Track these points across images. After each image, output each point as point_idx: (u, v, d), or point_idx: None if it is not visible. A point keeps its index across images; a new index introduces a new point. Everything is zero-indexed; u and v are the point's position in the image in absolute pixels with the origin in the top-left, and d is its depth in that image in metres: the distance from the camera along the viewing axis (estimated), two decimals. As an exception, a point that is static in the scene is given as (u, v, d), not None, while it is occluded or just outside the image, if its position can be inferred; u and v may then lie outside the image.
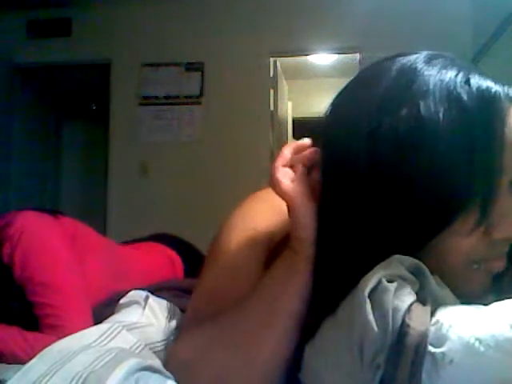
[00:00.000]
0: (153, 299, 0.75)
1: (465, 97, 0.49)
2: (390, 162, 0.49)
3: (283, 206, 0.57)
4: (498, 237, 0.50)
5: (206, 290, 0.63)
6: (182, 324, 0.65)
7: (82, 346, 0.53)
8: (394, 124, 0.49)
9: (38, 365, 0.49)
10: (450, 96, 0.49)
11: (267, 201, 0.65)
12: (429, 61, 0.53)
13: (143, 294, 0.76)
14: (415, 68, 0.52)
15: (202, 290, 0.64)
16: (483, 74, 0.52)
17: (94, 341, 0.56)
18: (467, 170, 0.47)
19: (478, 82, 0.51)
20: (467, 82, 0.50)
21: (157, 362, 0.57)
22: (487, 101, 0.50)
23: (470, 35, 3.50)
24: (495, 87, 0.51)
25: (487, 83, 0.51)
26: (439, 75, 0.51)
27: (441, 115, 0.48)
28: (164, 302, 0.76)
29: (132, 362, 0.47)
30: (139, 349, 0.59)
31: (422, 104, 0.49)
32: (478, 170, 0.48)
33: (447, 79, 0.50)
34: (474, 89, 0.50)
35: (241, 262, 0.62)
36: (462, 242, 0.50)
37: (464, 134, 0.48)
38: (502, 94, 0.51)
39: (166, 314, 0.73)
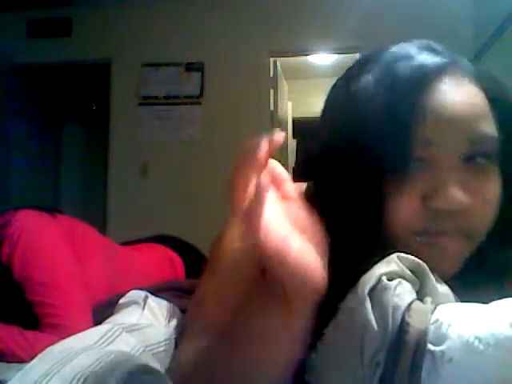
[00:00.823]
0: (152, 299, 0.75)
1: (400, 70, 0.52)
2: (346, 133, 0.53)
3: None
4: (434, 206, 0.50)
5: (208, 295, 0.63)
6: (183, 329, 0.65)
7: (83, 346, 0.53)
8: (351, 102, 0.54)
9: (38, 365, 0.49)
10: (389, 70, 0.53)
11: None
12: (402, 43, 0.57)
13: (142, 294, 0.76)
14: (386, 49, 0.57)
15: (204, 294, 0.63)
16: (440, 51, 0.55)
17: (95, 343, 0.56)
18: (390, 138, 0.50)
19: (420, 57, 0.54)
20: (410, 57, 0.53)
21: (156, 366, 0.57)
22: (416, 75, 0.52)
23: (471, 34, 3.50)
24: (433, 63, 0.53)
25: (429, 58, 0.54)
26: (396, 52, 0.55)
27: (375, 87, 0.52)
28: (163, 302, 0.76)
29: (132, 365, 0.47)
30: (139, 352, 0.59)
31: (367, 77, 0.54)
32: (398, 139, 0.50)
33: (397, 54, 0.55)
34: (412, 63, 0.53)
35: (243, 269, 0.61)
36: (400, 208, 0.51)
37: (388, 105, 0.51)
38: (435, 70, 0.53)
39: (165, 314, 0.73)
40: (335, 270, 0.52)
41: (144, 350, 0.59)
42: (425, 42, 0.57)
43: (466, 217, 0.51)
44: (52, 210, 1.26)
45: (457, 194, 0.50)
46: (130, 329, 0.63)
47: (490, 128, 0.52)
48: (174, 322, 0.71)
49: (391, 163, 0.50)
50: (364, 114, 0.52)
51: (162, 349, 0.65)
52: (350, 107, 0.54)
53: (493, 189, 0.52)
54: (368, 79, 0.53)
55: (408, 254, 0.51)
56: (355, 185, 0.52)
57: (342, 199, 0.53)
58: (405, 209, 0.52)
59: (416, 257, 0.51)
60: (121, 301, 0.76)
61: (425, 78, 0.52)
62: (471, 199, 0.50)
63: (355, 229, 0.53)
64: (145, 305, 0.72)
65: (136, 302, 0.74)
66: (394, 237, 0.53)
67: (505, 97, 0.53)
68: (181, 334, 0.65)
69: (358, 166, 0.51)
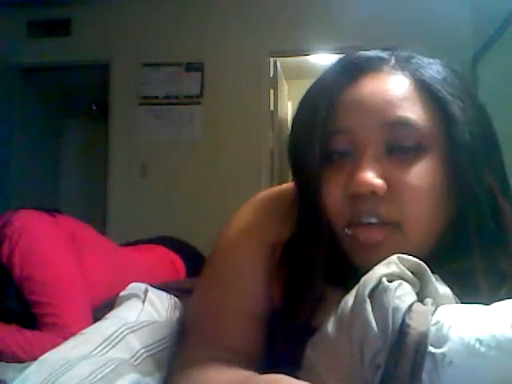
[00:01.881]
0: (152, 292, 0.74)
1: (329, 71, 0.58)
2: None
3: (289, 212, 0.59)
4: (348, 191, 0.52)
5: (206, 305, 0.63)
6: (184, 335, 0.65)
7: (81, 355, 0.53)
8: None
9: (35, 373, 0.48)
10: (324, 72, 0.58)
11: (268, 207, 0.65)
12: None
13: (143, 286, 0.76)
14: None
15: (202, 305, 0.63)
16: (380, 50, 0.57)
17: (96, 348, 0.56)
18: (313, 131, 0.54)
19: (351, 57, 0.57)
20: (343, 58, 0.57)
21: (156, 376, 0.56)
22: (339, 73, 0.56)
23: (470, 35, 3.49)
24: (360, 60, 0.56)
25: (358, 57, 0.56)
26: (343, 56, 0.59)
27: (310, 87, 0.58)
28: (163, 295, 0.76)
29: (131, 379, 0.47)
30: (140, 359, 0.59)
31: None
32: (318, 131, 0.54)
33: (340, 57, 0.58)
34: (341, 63, 0.57)
35: (244, 278, 0.61)
36: (327, 196, 0.54)
37: (315, 100, 0.56)
38: (359, 67, 0.55)
39: (166, 307, 0.73)
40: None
41: (145, 357, 0.59)
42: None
43: (382, 204, 0.51)
44: (52, 210, 1.26)
45: (368, 178, 0.50)
46: (135, 328, 0.63)
47: (409, 113, 0.51)
48: (174, 315, 0.71)
49: (315, 155, 0.54)
50: (299, 111, 0.58)
51: (163, 347, 0.65)
52: (297, 108, 0.59)
53: (417, 177, 0.51)
54: (312, 83, 0.59)
55: (348, 252, 0.54)
56: (300, 177, 0.58)
57: (299, 194, 0.58)
58: (330, 197, 0.53)
59: (347, 251, 0.54)
60: (121, 293, 0.76)
61: (344, 76, 0.55)
62: (389, 186, 0.51)
63: (306, 217, 0.57)
64: (145, 298, 0.72)
65: (136, 295, 0.73)
66: (335, 230, 0.55)
67: (437, 88, 0.52)
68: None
69: (296, 160, 0.58)
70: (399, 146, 0.52)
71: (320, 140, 0.54)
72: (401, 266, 0.48)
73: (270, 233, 0.61)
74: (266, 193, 0.68)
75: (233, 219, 0.66)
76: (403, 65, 0.55)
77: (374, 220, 0.52)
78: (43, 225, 1.15)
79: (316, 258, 0.56)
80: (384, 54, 0.56)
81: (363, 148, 0.52)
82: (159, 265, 1.45)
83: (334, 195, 0.53)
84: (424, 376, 0.41)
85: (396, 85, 0.53)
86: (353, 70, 0.55)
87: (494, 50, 3.12)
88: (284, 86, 4.58)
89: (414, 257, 0.48)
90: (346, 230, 0.54)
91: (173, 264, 1.48)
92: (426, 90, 0.53)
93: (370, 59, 0.56)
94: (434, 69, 0.54)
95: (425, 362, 0.41)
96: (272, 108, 4.02)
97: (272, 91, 4.01)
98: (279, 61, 4.15)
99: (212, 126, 3.82)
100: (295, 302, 0.57)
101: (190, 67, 3.93)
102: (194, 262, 1.48)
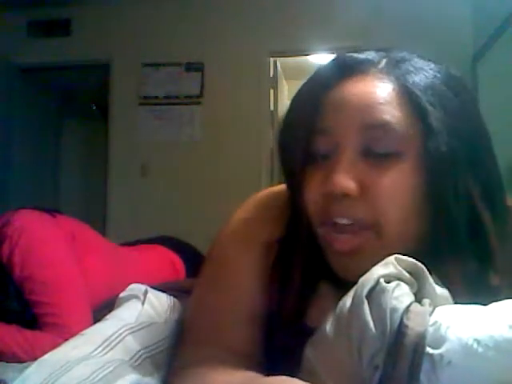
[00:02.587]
0: (152, 293, 0.75)
1: (315, 74, 0.58)
2: None
3: (284, 212, 0.59)
4: (322, 191, 0.53)
5: (204, 305, 0.63)
6: (183, 336, 0.65)
7: (80, 356, 0.53)
8: None
9: (35, 373, 0.48)
10: (311, 75, 0.59)
11: (264, 207, 0.65)
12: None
13: (142, 287, 0.76)
14: None
15: (201, 305, 0.64)
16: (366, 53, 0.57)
17: (95, 349, 0.56)
18: (296, 132, 0.56)
19: (336, 60, 0.57)
20: (329, 61, 0.58)
21: (155, 377, 0.57)
22: (322, 76, 0.57)
23: (470, 35, 3.49)
24: (342, 63, 0.56)
25: (342, 60, 0.57)
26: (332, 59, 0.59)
27: (298, 90, 0.59)
28: (163, 296, 0.76)
29: (130, 379, 0.47)
30: (139, 360, 0.59)
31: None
32: (301, 132, 0.55)
33: (329, 60, 0.59)
34: (325, 66, 0.58)
35: (241, 278, 0.62)
36: (307, 196, 0.55)
37: (298, 103, 0.58)
38: (340, 70, 0.55)
39: (165, 308, 0.73)
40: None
41: (144, 358, 0.59)
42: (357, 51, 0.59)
43: (356, 206, 0.52)
44: (52, 210, 1.26)
45: (341, 179, 0.51)
46: (134, 329, 0.63)
47: (388, 116, 0.51)
48: (174, 315, 0.71)
49: (299, 155, 0.55)
50: (288, 110, 0.59)
51: (162, 348, 0.65)
52: (287, 108, 0.60)
53: (391, 181, 0.51)
54: (302, 84, 0.59)
55: (325, 254, 0.55)
56: (286, 177, 0.60)
57: (289, 191, 0.60)
58: (308, 197, 0.55)
59: (326, 256, 0.55)
60: (121, 294, 0.76)
61: (331, 78, 0.55)
62: (363, 188, 0.51)
63: (293, 217, 0.59)
64: (145, 299, 0.72)
65: (136, 296, 0.74)
66: (314, 229, 0.56)
67: (418, 95, 0.52)
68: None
69: (282, 159, 0.60)
70: (376, 149, 0.52)
71: (304, 140, 0.55)
72: (398, 266, 0.48)
73: (265, 233, 0.62)
74: (264, 193, 0.68)
75: (230, 220, 0.66)
76: (391, 69, 0.55)
77: (346, 221, 0.52)
78: (43, 225, 1.15)
79: (296, 257, 0.58)
80: (375, 56, 0.56)
81: (341, 149, 0.53)
82: (159, 265, 1.45)
83: (311, 195, 0.55)
84: (422, 376, 0.41)
85: (379, 89, 0.53)
86: (340, 71, 0.56)
87: (493, 50, 3.12)
88: (284, 86, 4.58)
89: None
90: (319, 229, 0.55)
91: (173, 264, 1.48)
92: (407, 96, 0.52)
93: (358, 61, 0.56)
94: (422, 75, 0.54)
95: (423, 363, 0.41)
96: (272, 108, 4.02)
97: (272, 91, 4.01)
98: (279, 61, 4.15)
99: (212, 126, 3.82)
100: (280, 299, 0.59)
101: (190, 67, 3.93)
102: (194, 262, 1.48)
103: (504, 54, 2.95)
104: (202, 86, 3.90)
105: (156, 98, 3.94)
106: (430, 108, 0.51)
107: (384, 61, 0.56)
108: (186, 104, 3.90)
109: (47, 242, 1.12)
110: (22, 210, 1.16)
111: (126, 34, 3.98)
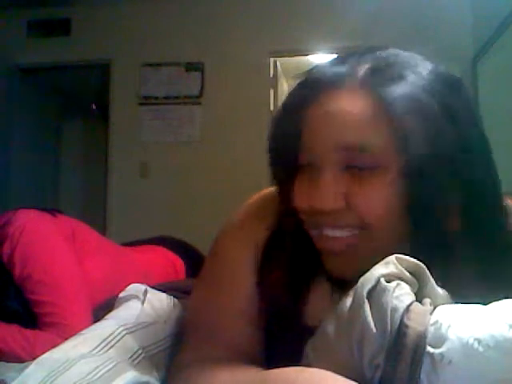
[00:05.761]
0: (151, 293, 0.75)
1: (299, 85, 0.58)
2: None
3: (275, 211, 0.61)
4: (309, 205, 0.54)
5: (204, 305, 0.63)
6: (184, 335, 0.65)
7: (80, 354, 0.53)
8: None
9: (35, 373, 0.49)
10: (296, 85, 0.59)
11: (260, 208, 0.66)
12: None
13: (142, 287, 0.76)
14: None
15: (201, 305, 0.64)
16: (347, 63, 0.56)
17: (95, 348, 0.56)
18: (283, 144, 0.58)
19: (318, 70, 0.57)
20: (312, 71, 0.58)
21: (154, 375, 0.57)
22: (306, 89, 0.57)
23: (470, 35, 3.49)
24: (324, 76, 0.56)
25: (324, 72, 0.56)
26: (312, 67, 0.60)
27: (286, 99, 0.60)
28: (163, 296, 0.76)
29: (129, 376, 0.47)
30: (139, 358, 0.59)
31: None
32: (287, 144, 0.57)
33: (310, 69, 0.59)
34: (310, 77, 0.58)
35: (238, 278, 0.62)
36: (295, 201, 0.57)
37: (284, 117, 0.59)
38: (322, 84, 0.55)
39: (165, 308, 0.73)
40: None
41: (143, 357, 0.59)
42: (344, 54, 0.59)
43: (342, 217, 0.53)
44: (52, 210, 1.26)
45: (325, 198, 0.52)
46: (133, 329, 0.63)
47: (365, 138, 0.51)
48: (173, 315, 0.71)
49: (285, 167, 0.58)
50: (273, 123, 0.60)
51: (161, 348, 0.65)
52: (272, 119, 0.61)
53: (374, 189, 0.52)
54: (288, 94, 0.60)
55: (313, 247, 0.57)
56: (275, 181, 0.62)
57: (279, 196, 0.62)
58: (296, 203, 0.56)
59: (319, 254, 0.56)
60: (121, 294, 0.76)
61: (311, 92, 0.55)
62: (348, 199, 0.52)
63: (285, 210, 0.60)
64: (144, 299, 0.73)
65: (136, 296, 0.74)
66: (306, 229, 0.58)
67: (395, 109, 0.51)
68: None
69: (272, 168, 0.62)
70: (355, 166, 0.53)
71: (289, 155, 0.57)
72: (399, 266, 0.48)
73: (265, 232, 0.63)
74: (264, 193, 0.69)
75: (230, 219, 0.67)
76: (369, 79, 0.53)
77: (335, 233, 0.54)
78: (44, 224, 1.15)
79: (282, 253, 0.60)
80: (351, 68, 0.55)
81: (321, 167, 0.54)
82: (159, 265, 1.45)
83: (299, 204, 0.56)
84: (423, 376, 0.41)
85: (354, 105, 0.52)
86: (316, 86, 0.55)
87: (493, 49, 3.12)
88: (284, 86, 4.58)
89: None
90: (312, 231, 0.57)
91: (173, 264, 1.48)
92: (383, 109, 0.51)
93: (335, 74, 0.55)
94: (404, 82, 0.52)
95: (423, 362, 0.41)
96: (272, 108, 4.02)
97: (272, 91, 4.01)
98: (279, 61, 4.14)
99: (212, 126, 3.82)
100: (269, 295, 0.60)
101: (190, 67, 3.93)
102: (194, 262, 1.49)
103: (504, 53, 2.95)
104: (202, 86, 3.90)
105: (156, 98, 3.94)
106: (406, 122, 0.50)
107: (362, 71, 0.54)
108: (186, 104, 3.90)
109: (48, 242, 1.12)
110: (23, 210, 1.16)
111: (126, 34, 3.97)
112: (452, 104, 0.53)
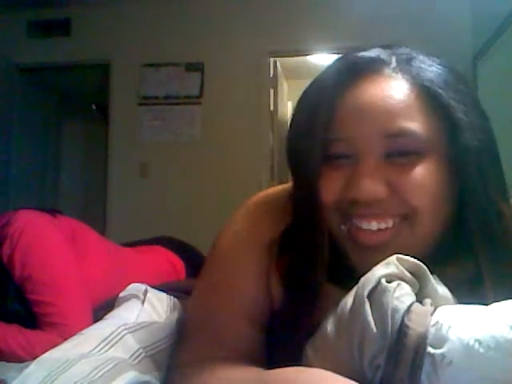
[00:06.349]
0: (152, 293, 0.75)
1: (328, 72, 0.57)
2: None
3: (284, 213, 0.59)
4: (350, 196, 0.52)
5: (205, 306, 0.63)
6: (183, 335, 0.65)
7: (80, 354, 0.53)
8: None
9: (35, 372, 0.48)
10: (322, 72, 0.58)
11: (261, 208, 0.65)
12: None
13: (142, 287, 0.76)
14: None
15: (202, 306, 0.64)
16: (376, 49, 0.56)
17: (95, 347, 0.56)
18: (313, 134, 0.55)
19: (348, 57, 0.56)
20: (341, 58, 0.57)
21: (154, 375, 0.57)
22: (335, 71, 0.55)
23: (470, 35, 3.49)
24: (356, 62, 0.54)
25: (354, 58, 0.55)
26: (340, 56, 0.58)
27: (309, 89, 0.58)
28: (163, 295, 0.76)
29: (130, 376, 0.47)
30: (139, 358, 0.59)
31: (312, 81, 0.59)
32: (317, 135, 0.54)
33: (339, 57, 0.58)
34: (339, 64, 0.56)
35: (241, 280, 0.62)
36: (325, 194, 0.54)
37: (313, 106, 0.55)
38: (356, 69, 0.54)
39: (165, 308, 0.73)
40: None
41: (143, 357, 0.59)
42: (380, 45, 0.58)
43: (384, 207, 0.52)
44: (52, 210, 1.26)
45: (369, 186, 0.51)
46: (133, 329, 0.63)
47: (410, 123, 0.51)
48: (174, 315, 0.71)
49: (316, 158, 0.54)
50: (300, 112, 0.57)
51: (162, 347, 0.65)
52: (296, 108, 0.59)
53: (418, 176, 0.51)
54: (311, 82, 0.58)
55: (340, 246, 0.55)
56: (299, 175, 0.58)
57: (298, 189, 0.59)
58: (327, 196, 0.54)
59: (346, 250, 0.55)
60: (121, 294, 0.76)
61: (344, 78, 0.54)
62: (391, 188, 0.51)
63: (304, 212, 0.57)
64: (144, 299, 0.72)
65: (136, 296, 0.74)
66: (329, 227, 0.56)
67: (439, 93, 0.51)
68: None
69: (296, 160, 0.58)
70: (397, 154, 0.52)
71: (320, 146, 0.54)
72: (400, 266, 0.48)
73: (265, 233, 0.62)
74: (264, 193, 0.68)
75: (230, 220, 0.66)
76: (404, 67, 0.53)
77: (374, 226, 0.52)
78: (43, 224, 1.15)
79: (317, 245, 0.56)
80: (385, 55, 0.55)
81: (363, 155, 0.52)
82: (159, 265, 1.45)
83: (331, 198, 0.54)
84: (423, 376, 0.41)
85: (396, 91, 0.52)
86: (352, 71, 0.54)
87: (493, 49, 3.12)
88: (284, 86, 4.58)
89: (413, 257, 0.49)
90: (342, 226, 0.55)
91: (173, 264, 1.48)
92: (427, 95, 0.52)
93: (370, 60, 0.54)
94: (435, 71, 0.53)
95: (424, 363, 0.41)
96: (272, 108, 4.02)
97: (272, 91, 4.01)
98: (279, 61, 4.15)
99: (212, 126, 3.82)
100: (296, 291, 0.57)
101: (190, 67, 3.93)
102: (194, 262, 1.48)
103: (504, 53, 2.95)
104: (202, 86, 3.90)
105: (156, 98, 3.94)
106: (453, 103, 0.51)
107: (394, 58, 0.54)
108: (186, 104, 3.90)
109: (48, 242, 1.12)
110: (23, 210, 1.16)
111: (126, 34, 3.98)
112: (473, 94, 0.55)
